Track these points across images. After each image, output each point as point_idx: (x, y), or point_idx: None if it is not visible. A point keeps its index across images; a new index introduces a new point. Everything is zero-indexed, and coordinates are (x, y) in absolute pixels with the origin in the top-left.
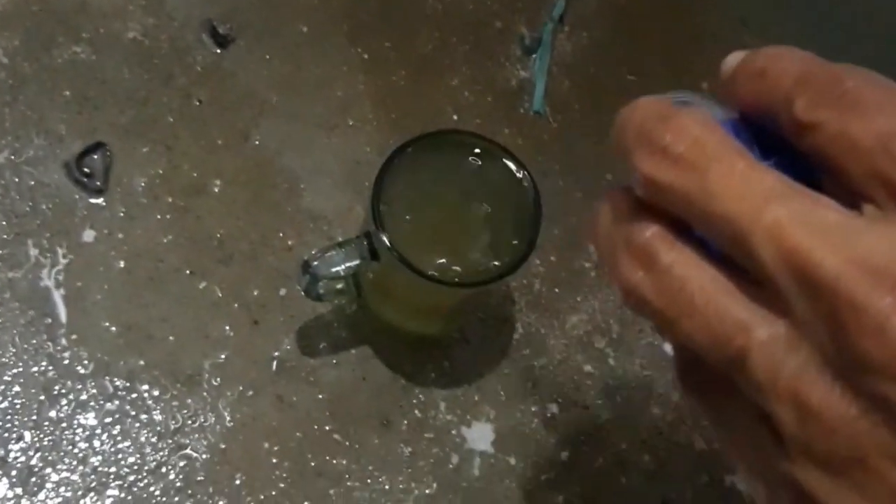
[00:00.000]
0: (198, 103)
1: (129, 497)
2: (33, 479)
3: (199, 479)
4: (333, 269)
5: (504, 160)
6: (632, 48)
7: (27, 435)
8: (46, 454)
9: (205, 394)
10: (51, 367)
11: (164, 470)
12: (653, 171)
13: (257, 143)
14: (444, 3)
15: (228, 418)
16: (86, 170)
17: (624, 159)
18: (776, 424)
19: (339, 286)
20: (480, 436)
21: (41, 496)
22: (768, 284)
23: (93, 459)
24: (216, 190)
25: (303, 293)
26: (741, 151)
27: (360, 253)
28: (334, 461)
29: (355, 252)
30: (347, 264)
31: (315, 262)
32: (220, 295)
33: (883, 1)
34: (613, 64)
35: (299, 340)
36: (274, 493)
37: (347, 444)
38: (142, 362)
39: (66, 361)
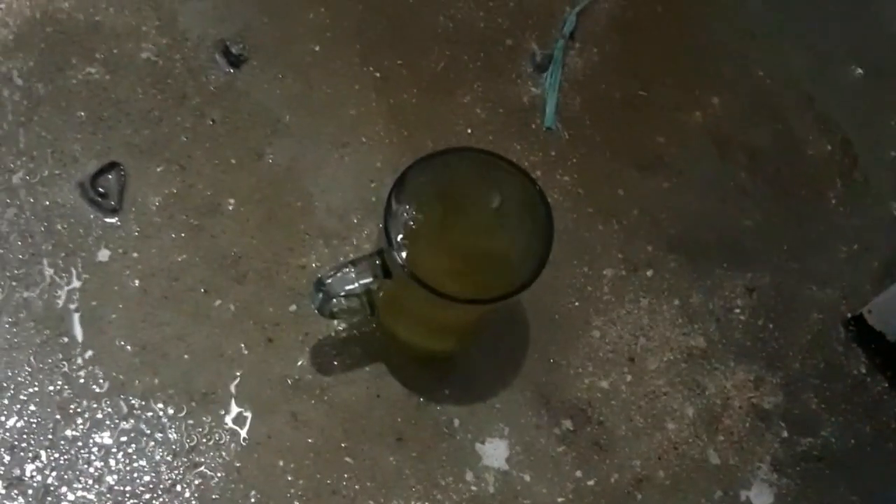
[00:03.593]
0: (211, 122)
1: None
2: (49, 499)
3: (214, 497)
4: (347, 287)
5: (516, 176)
6: (642, 63)
7: (43, 454)
8: (62, 473)
9: (220, 412)
10: (66, 386)
11: (179, 488)
12: None
13: (270, 161)
14: (455, 21)
15: (243, 436)
16: (100, 189)
17: None
18: None
19: (353, 304)
20: (495, 452)
21: None
22: None
23: (108, 478)
24: (230, 208)
25: (316, 311)
26: None
27: (372, 271)
28: (349, 478)
29: (368, 270)
30: (360, 282)
31: (328, 280)
32: (235, 313)
33: (888, 10)
34: (624, 79)
35: (313, 358)
36: None
37: (362, 461)
38: (157, 381)
39: (82, 380)
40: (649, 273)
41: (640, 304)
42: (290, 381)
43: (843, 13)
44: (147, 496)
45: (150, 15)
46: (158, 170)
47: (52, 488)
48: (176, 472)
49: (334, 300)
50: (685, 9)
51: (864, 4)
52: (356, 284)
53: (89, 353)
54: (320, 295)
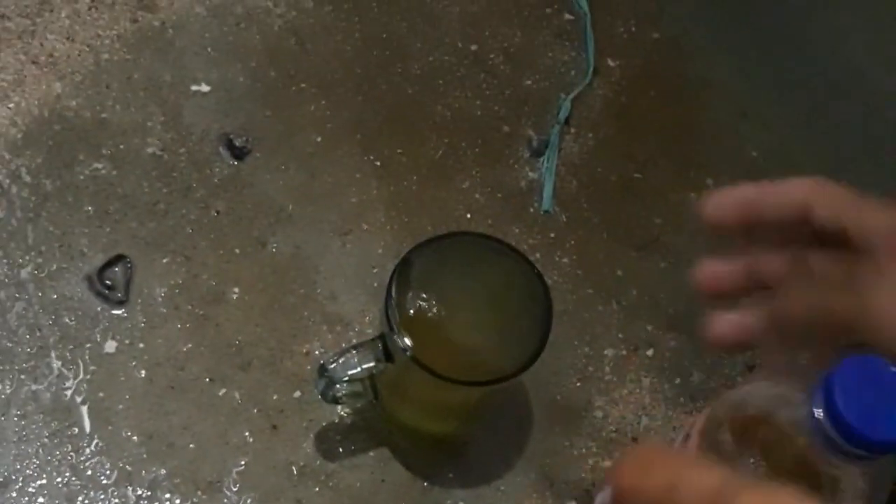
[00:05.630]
0: (216, 214)
1: None
2: None
3: None
4: (349, 372)
5: (514, 259)
6: (637, 146)
7: None
8: None
9: (226, 500)
10: (74, 478)
11: None
12: None
13: (274, 250)
14: (453, 110)
15: None
16: (107, 282)
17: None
18: None
19: (356, 389)
20: None
21: None
22: None
23: None
24: (234, 297)
25: (320, 396)
26: None
27: (374, 355)
28: None
29: (370, 354)
30: (363, 366)
31: (331, 366)
32: (240, 401)
33: (881, 98)
34: (619, 163)
35: (318, 444)
36: None
37: None
38: (164, 471)
39: (89, 472)
40: (650, 352)
41: (641, 383)
42: (294, 468)
43: (836, 92)
44: None
45: (155, 111)
46: (164, 261)
47: None
48: None
49: (338, 385)
50: (677, 92)
51: (859, 85)
52: (359, 369)
53: (97, 444)
54: (323, 380)
